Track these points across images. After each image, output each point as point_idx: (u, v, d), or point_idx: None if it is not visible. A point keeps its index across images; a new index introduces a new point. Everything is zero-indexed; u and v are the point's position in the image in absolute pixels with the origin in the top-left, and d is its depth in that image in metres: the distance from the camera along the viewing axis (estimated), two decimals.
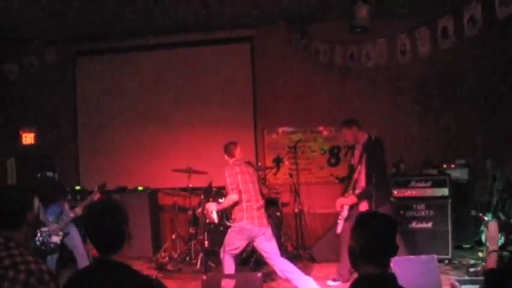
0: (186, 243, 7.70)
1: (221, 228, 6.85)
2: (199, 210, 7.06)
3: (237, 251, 5.53)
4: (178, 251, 7.71)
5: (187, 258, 7.36)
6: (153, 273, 6.67)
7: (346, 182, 6.26)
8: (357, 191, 5.84)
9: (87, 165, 9.04)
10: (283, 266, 5.43)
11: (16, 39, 8.32)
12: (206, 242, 6.72)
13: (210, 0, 7.05)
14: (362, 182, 5.84)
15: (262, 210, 5.62)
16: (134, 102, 8.91)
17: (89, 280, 2.36)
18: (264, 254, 5.59)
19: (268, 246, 5.50)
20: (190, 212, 7.61)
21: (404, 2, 7.23)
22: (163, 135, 8.77)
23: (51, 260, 6.14)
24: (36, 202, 6.42)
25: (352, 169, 6.16)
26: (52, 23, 7.77)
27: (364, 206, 5.74)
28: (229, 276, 5.12)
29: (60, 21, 7.68)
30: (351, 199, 5.86)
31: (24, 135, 9.08)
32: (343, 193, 6.05)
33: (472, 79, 7.96)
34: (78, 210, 6.20)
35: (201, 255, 6.99)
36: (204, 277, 4.48)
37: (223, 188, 6.36)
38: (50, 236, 6.07)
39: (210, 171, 7.43)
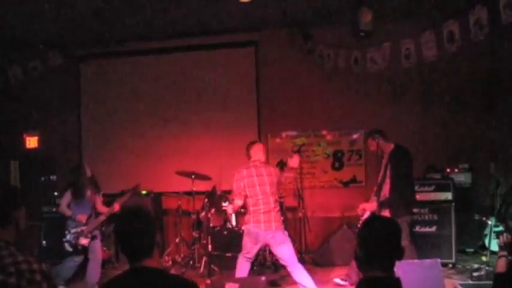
0: (190, 247, 7.68)
1: (225, 233, 6.84)
2: (203, 214, 7.05)
3: (250, 255, 5.46)
4: (182, 255, 7.69)
5: (191, 262, 7.35)
6: None
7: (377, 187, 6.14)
8: (381, 199, 5.78)
9: (90, 168, 9.00)
10: (297, 274, 5.31)
11: (20, 43, 8.34)
12: (210, 246, 6.71)
13: (214, 4, 7.05)
14: (386, 191, 5.79)
15: (272, 214, 5.38)
16: (138, 106, 8.91)
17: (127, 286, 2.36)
18: (280, 260, 5.53)
19: (279, 251, 5.39)
20: (194, 216, 7.60)
21: (408, 5, 7.24)
22: (167, 138, 8.77)
23: (71, 260, 6.05)
24: (68, 197, 6.17)
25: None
26: (56, 27, 7.80)
27: (386, 215, 5.71)
28: (232, 280, 5.12)
29: (64, 25, 7.71)
30: (372, 205, 5.82)
31: (27, 138, 9.06)
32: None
33: (476, 83, 7.97)
34: (116, 206, 6.14)
35: (204, 259, 6.97)
36: (208, 281, 4.51)
37: (227, 191, 6.34)
38: (78, 238, 5.95)
39: (214, 175, 7.43)
